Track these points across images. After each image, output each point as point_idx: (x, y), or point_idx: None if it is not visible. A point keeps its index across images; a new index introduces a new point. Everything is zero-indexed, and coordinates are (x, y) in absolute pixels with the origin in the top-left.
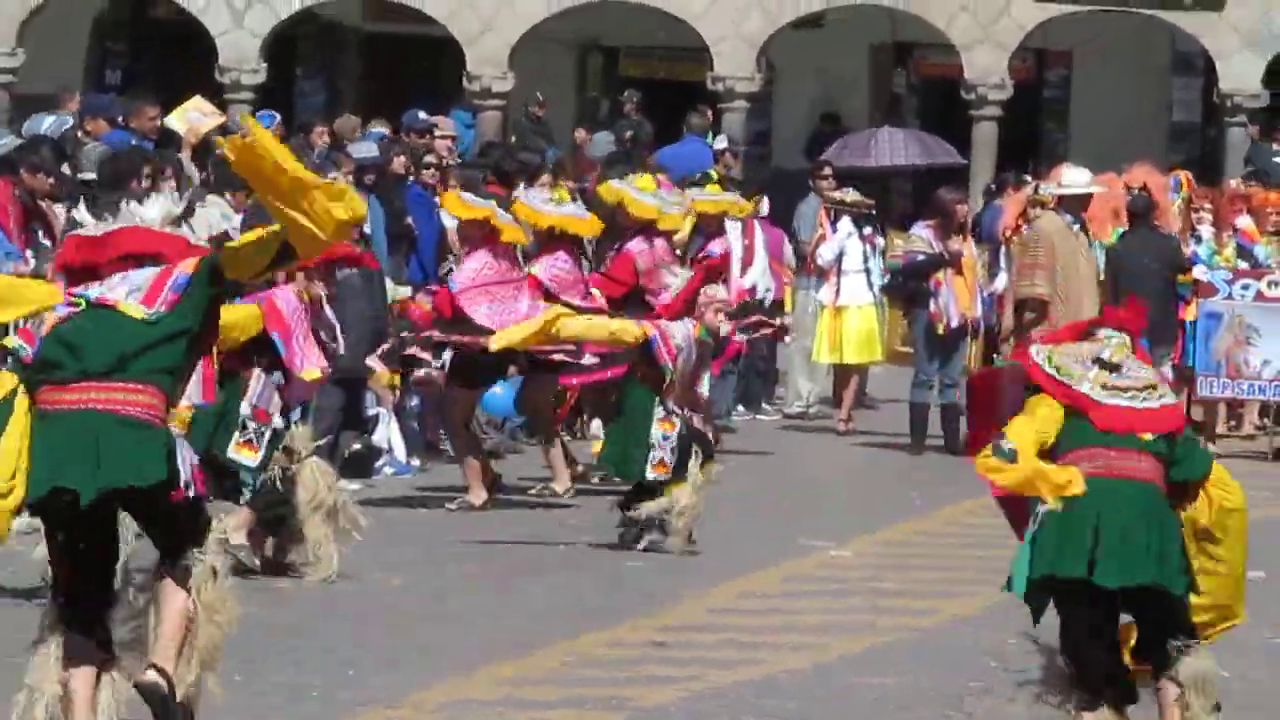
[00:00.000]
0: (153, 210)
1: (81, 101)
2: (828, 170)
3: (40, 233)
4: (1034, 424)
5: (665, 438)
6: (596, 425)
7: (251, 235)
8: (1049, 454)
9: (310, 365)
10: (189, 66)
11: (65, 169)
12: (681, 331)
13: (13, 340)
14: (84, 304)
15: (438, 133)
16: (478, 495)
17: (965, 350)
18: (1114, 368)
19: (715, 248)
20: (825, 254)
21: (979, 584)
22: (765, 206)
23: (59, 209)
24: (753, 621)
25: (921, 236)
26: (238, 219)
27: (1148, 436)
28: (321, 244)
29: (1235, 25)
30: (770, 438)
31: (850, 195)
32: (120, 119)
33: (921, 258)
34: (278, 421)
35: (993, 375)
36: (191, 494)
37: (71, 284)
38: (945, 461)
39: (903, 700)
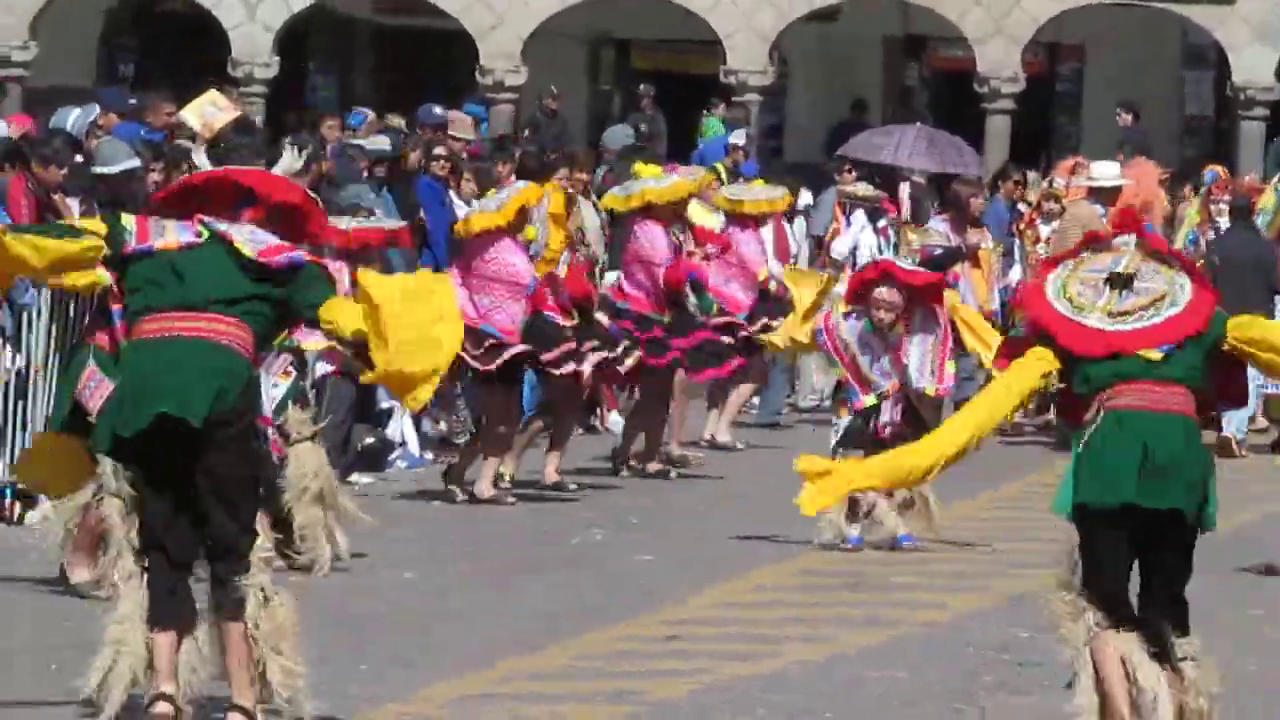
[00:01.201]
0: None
1: (93, 95)
2: (849, 165)
3: None
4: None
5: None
6: (614, 419)
7: (354, 312)
8: (1070, 394)
9: (314, 336)
10: (201, 60)
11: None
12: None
13: None
14: (206, 234)
15: (454, 133)
16: (486, 489)
17: None
18: (1127, 281)
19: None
20: (840, 248)
21: (990, 577)
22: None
23: (71, 202)
24: (763, 615)
25: (938, 230)
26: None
27: (1154, 355)
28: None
29: (1247, 18)
30: (783, 431)
31: (862, 189)
32: (130, 112)
33: (939, 251)
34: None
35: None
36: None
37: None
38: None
39: (913, 694)
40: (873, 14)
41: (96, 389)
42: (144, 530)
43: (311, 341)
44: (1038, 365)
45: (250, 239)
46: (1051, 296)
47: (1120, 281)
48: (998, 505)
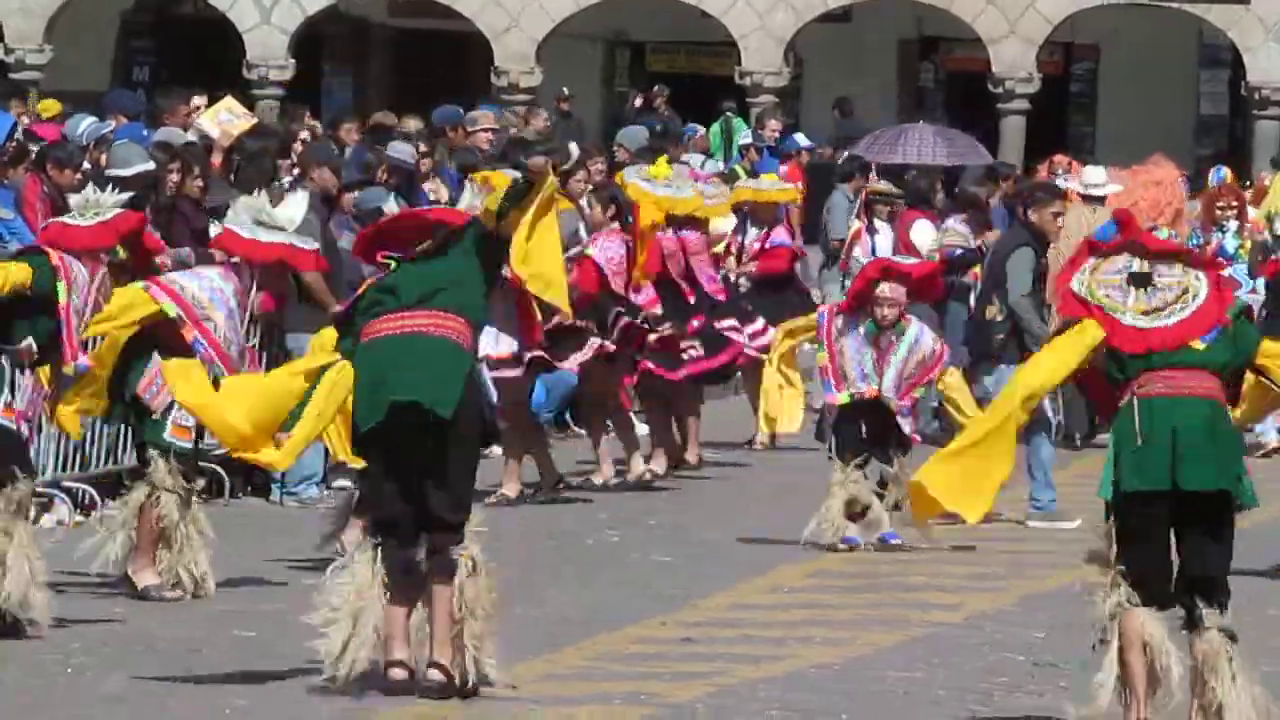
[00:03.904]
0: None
1: (105, 98)
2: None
3: None
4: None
5: None
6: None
7: None
8: (1109, 378)
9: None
10: (217, 63)
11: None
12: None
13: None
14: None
15: (479, 125)
16: (513, 487)
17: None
18: (1144, 279)
19: (784, 238)
20: (861, 258)
21: (1007, 578)
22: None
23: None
24: (780, 617)
25: (958, 230)
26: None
27: (1199, 345)
28: None
29: (1262, 18)
30: (798, 433)
31: (883, 184)
32: (139, 115)
33: (959, 251)
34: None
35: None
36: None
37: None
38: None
39: (930, 695)
40: (887, 15)
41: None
42: (378, 514)
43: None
44: (1083, 338)
45: None
46: (1086, 297)
47: (1140, 280)
48: (1010, 505)
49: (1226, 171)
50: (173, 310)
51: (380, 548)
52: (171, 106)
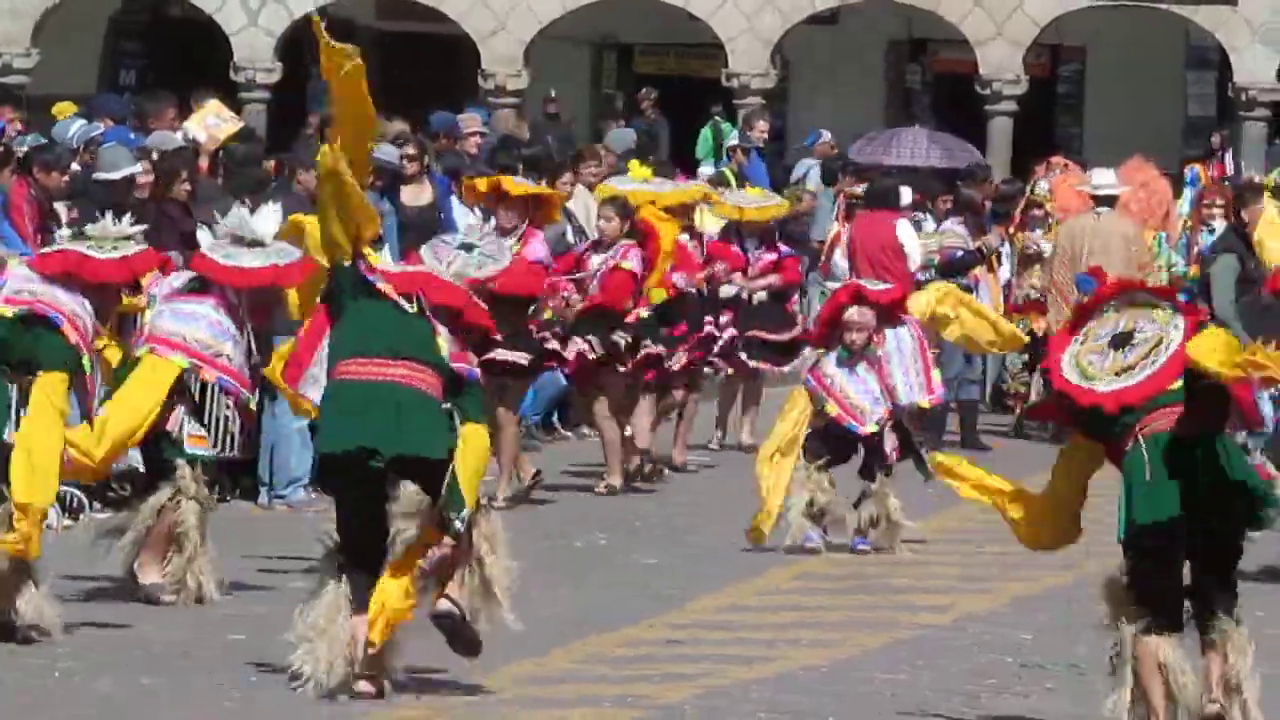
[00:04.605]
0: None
1: (92, 101)
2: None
3: (56, 233)
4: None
5: None
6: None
7: None
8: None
9: None
10: (203, 66)
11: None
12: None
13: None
14: None
15: (466, 128)
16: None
17: None
18: (1127, 338)
19: (787, 248)
20: (840, 261)
21: (995, 580)
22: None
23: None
24: (768, 619)
25: (956, 232)
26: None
27: (1175, 386)
28: None
29: (1249, 19)
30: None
31: (860, 188)
32: (126, 118)
33: (960, 254)
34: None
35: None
36: None
37: None
38: (962, 457)
39: (918, 696)
40: (874, 17)
41: None
42: (345, 539)
43: None
44: (1087, 457)
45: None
46: (1066, 371)
47: (1122, 340)
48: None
49: (1200, 170)
50: (185, 362)
51: (346, 571)
52: (157, 111)
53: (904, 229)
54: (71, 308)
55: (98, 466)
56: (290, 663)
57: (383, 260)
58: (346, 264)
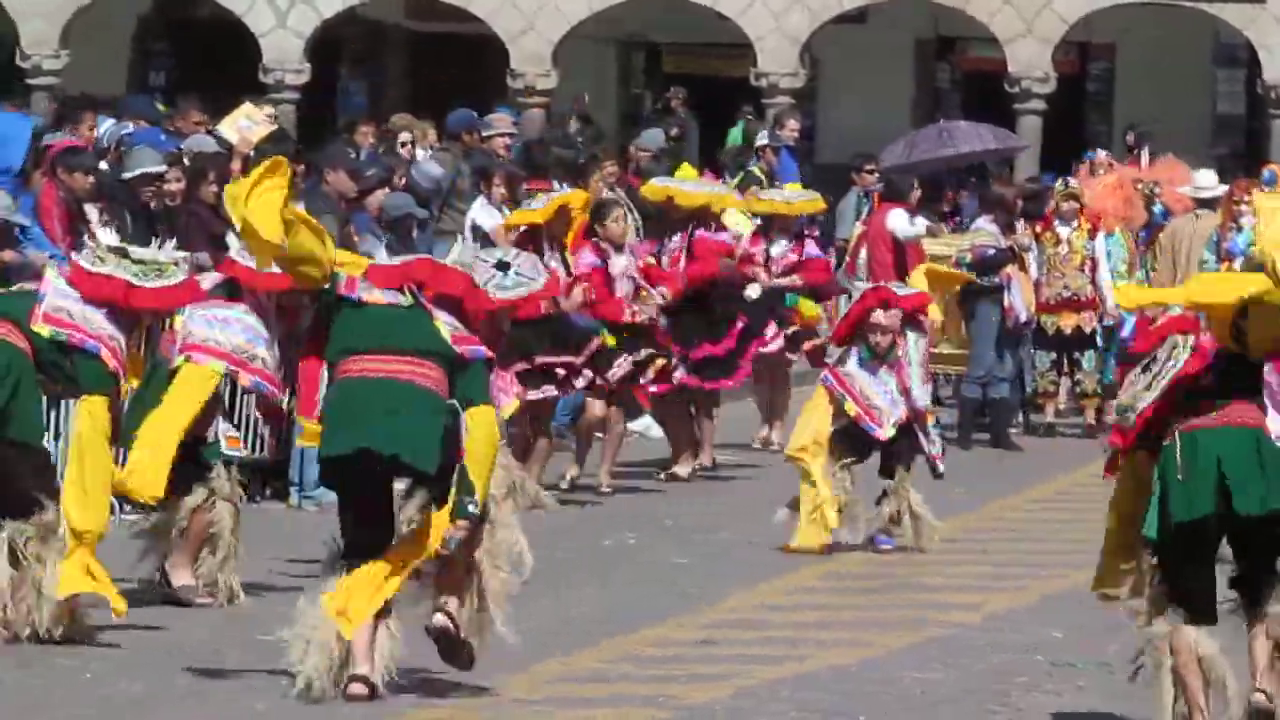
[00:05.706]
0: None
1: (121, 103)
2: (871, 165)
3: (86, 236)
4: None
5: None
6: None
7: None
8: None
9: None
10: (232, 67)
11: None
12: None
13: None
14: None
15: (495, 129)
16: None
17: (1028, 345)
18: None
19: (815, 249)
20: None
21: (1024, 578)
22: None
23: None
24: (796, 618)
25: (988, 230)
26: None
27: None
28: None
29: (1278, 16)
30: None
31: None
32: (157, 120)
33: (991, 252)
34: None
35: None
36: None
37: None
38: (991, 456)
39: (947, 695)
40: (903, 16)
41: None
42: (346, 538)
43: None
44: (1138, 475)
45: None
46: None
47: (1150, 364)
48: (1029, 505)
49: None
50: (222, 368)
51: (348, 571)
52: (182, 113)
53: (894, 218)
54: (109, 331)
55: (157, 494)
56: (284, 665)
57: (379, 255)
58: (326, 286)
